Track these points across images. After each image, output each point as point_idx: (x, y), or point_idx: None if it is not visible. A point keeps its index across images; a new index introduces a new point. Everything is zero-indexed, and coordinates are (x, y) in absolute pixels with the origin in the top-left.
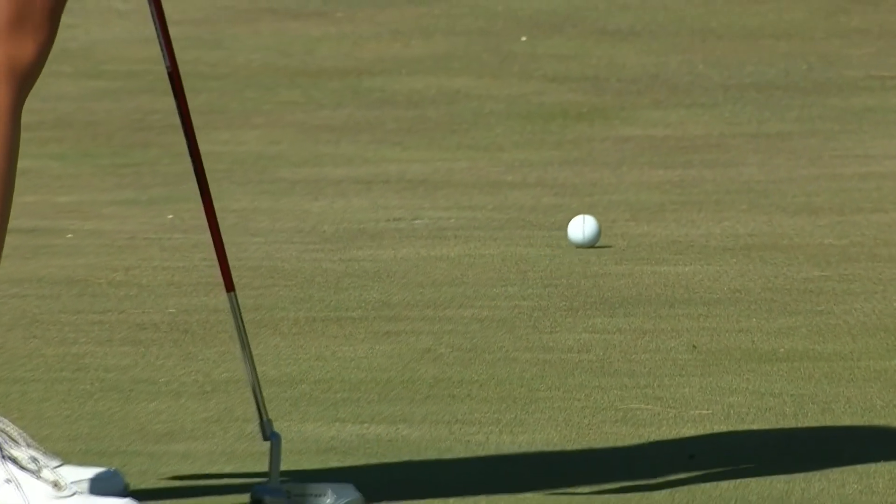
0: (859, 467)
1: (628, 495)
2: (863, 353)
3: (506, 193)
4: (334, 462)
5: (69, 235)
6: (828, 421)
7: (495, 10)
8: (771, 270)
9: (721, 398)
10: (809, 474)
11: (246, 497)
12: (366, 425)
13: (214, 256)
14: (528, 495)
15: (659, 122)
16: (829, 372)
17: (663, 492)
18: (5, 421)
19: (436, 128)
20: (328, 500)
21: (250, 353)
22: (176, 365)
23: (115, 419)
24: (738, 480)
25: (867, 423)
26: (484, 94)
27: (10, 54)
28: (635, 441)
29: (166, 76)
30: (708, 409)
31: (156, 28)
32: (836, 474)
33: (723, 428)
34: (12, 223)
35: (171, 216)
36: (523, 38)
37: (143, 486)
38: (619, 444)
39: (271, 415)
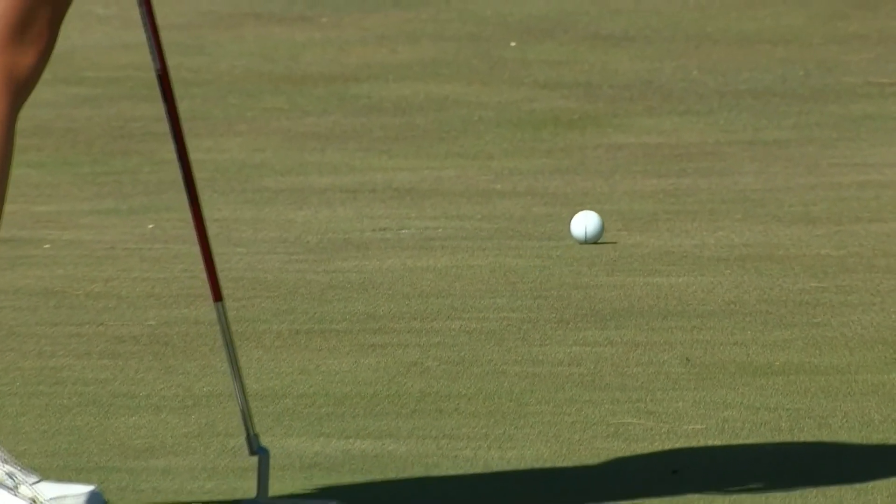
0: (857, 484)
1: None
2: (860, 366)
3: (495, 203)
4: (319, 478)
5: (47, 245)
6: (825, 436)
7: (484, 14)
8: (766, 282)
9: (715, 413)
10: (806, 490)
11: None
12: (351, 440)
13: (197, 267)
14: None
15: (653, 129)
16: (826, 386)
17: None
18: None
19: (424, 135)
20: None
21: (238, 365)
22: (156, 378)
23: (94, 434)
24: (733, 497)
25: (865, 439)
26: (473, 101)
27: (9, 62)
28: (627, 456)
29: (147, 83)
30: (702, 424)
31: (146, 30)
32: (833, 491)
33: (717, 443)
34: None
35: (151, 226)
36: (513, 44)
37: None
38: (611, 459)
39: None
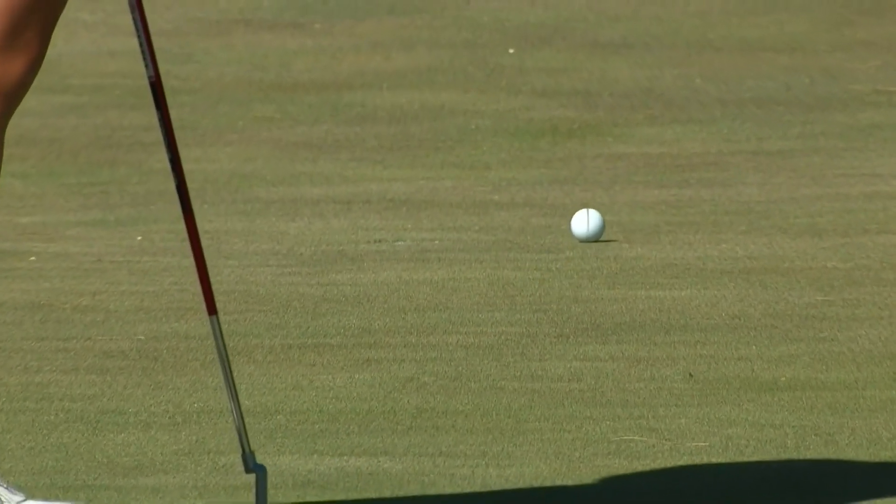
0: (865, 503)
1: None
2: (868, 382)
3: (493, 214)
4: (312, 496)
5: (32, 258)
6: (831, 453)
7: (481, 21)
8: (771, 295)
9: (719, 429)
10: None
11: None
12: (345, 458)
13: (187, 280)
14: None
15: (654, 138)
16: (833, 402)
17: None
18: None
19: (419, 145)
20: None
21: (233, 379)
22: (145, 394)
23: (82, 451)
24: None
25: (873, 456)
26: (470, 110)
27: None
28: (629, 474)
29: (134, 90)
30: (705, 441)
31: (139, 36)
32: None
33: (721, 460)
34: None
35: (139, 238)
36: (511, 51)
37: None
38: (612, 477)
39: None
